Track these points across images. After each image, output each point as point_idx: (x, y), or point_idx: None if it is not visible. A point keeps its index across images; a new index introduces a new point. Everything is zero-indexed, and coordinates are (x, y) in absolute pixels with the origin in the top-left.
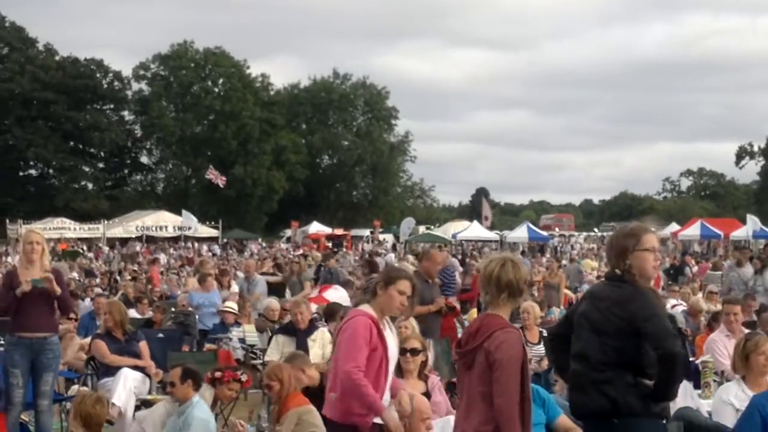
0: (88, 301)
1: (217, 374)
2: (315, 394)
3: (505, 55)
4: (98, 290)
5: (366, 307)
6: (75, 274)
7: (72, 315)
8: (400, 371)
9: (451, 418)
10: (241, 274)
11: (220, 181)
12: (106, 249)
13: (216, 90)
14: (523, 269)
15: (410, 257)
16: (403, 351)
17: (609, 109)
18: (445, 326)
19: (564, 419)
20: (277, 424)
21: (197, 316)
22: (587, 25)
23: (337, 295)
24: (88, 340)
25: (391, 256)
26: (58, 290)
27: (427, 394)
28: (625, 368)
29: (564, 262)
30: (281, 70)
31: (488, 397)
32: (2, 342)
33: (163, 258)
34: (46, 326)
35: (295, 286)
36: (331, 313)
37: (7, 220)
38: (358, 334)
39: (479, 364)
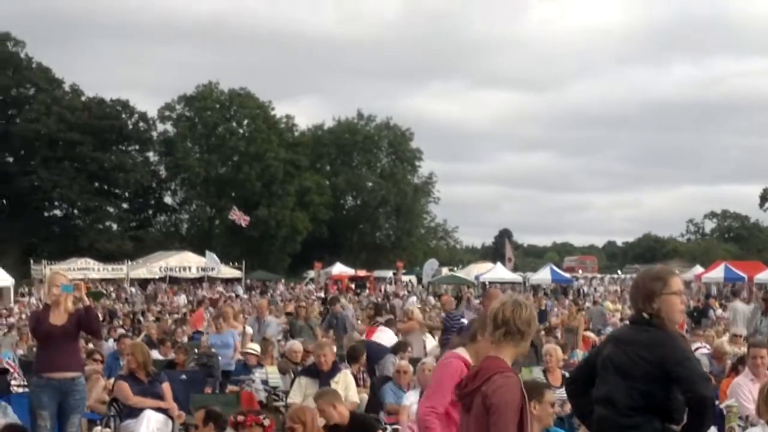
0: (111, 341)
1: (240, 418)
2: None
3: (528, 96)
4: (121, 331)
5: (461, 351)
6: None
7: (98, 356)
8: None
9: None
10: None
11: (243, 221)
12: (131, 290)
13: (241, 131)
14: (527, 311)
15: (431, 299)
16: None
17: (631, 149)
18: None
19: None
20: None
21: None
22: (610, 67)
23: (384, 336)
24: (111, 380)
25: (413, 299)
26: (87, 300)
27: None
28: (653, 413)
29: (587, 304)
30: (306, 111)
31: None
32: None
33: (183, 299)
34: (74, 366)
35: (302, 330)
36: (354, 355)
37: (32, 261)
38: (447, 377)
39: (477, 407)
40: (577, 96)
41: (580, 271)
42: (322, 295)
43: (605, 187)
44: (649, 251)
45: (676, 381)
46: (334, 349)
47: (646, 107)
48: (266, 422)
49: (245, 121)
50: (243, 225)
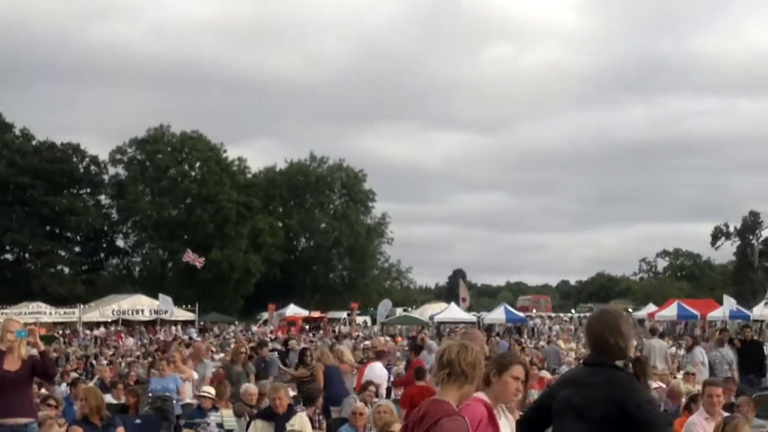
0: (64, 386)
1: None
2: None
3: (481, 137)
4: (74, 375)
5: (481, 394)
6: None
7: (53, 402)
8: None
9: None
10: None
11: (198, 263)
12: (86, 332)
13: (193, 173)
14: (471, 354)
15: (383, 339)
16: None
17: (585, 190)
18: None
19: None
20: None
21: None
22: (563, 107)
23: (373, 374)
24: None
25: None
26: (41, 345)
27: None
28: None
29: (542, 343)
30: (258, 154)
31: None
32: None
33: (131, 342)
34: (27, 411)
35: (239, 376)
36: (310, 397)
37: None
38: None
39: None
40: (531, 137)
41: (534, 311)
42: (279, 335)
43: (559, 227)
44: (603, 290)
45: (636, 424)
46: (290, 392)
47: (600, 147)
48: None
49: (197, 164)
50: (198, 266)
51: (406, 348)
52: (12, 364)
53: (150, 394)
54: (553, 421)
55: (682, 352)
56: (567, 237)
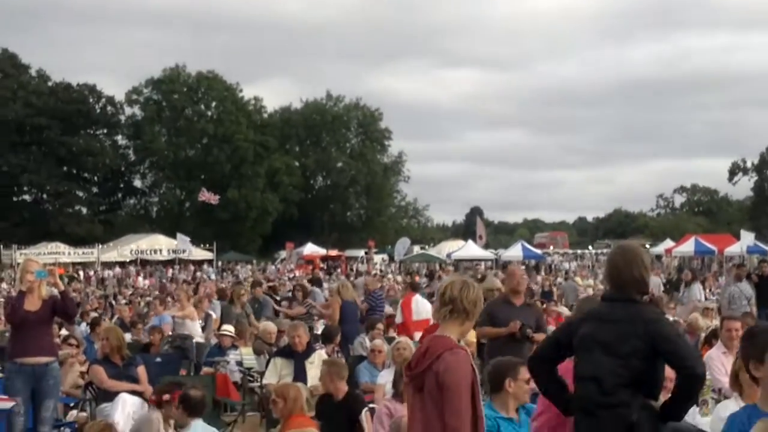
0: (84, 325)
1: (166, 397)
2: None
3: (498, 75)
4: (94, 315)
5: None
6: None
7: (73, 341)
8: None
9: None
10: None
11: (213, 200)
12: (109, 272)
13: (209, 113)
14: (473, 291)
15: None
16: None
17: (602, 127)
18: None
19: None
20: None
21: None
22: (580, 44)
23: (425, 308)
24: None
25: (361, 280)
26: (61, 285)
27: None
28: (638, 389)
29: (559, 279)
30: (274, 93)
31: (442, 418)
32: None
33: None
34: (47, 351)
35: (238, 317)
36: (328, 335)
37: (2, 246)
38: None
39: (429, 386)
40: (547, 74)
41: (551, 248)
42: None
43: (576, 164)
44: (620, 226)
45: (667, 357)
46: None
47: (617, 84)
48: None
49: (213, 104)
50: (213, 203)
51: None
52: (32, 305)
53: (170, 333)
54: (575, 356)
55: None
56: (584, 174)
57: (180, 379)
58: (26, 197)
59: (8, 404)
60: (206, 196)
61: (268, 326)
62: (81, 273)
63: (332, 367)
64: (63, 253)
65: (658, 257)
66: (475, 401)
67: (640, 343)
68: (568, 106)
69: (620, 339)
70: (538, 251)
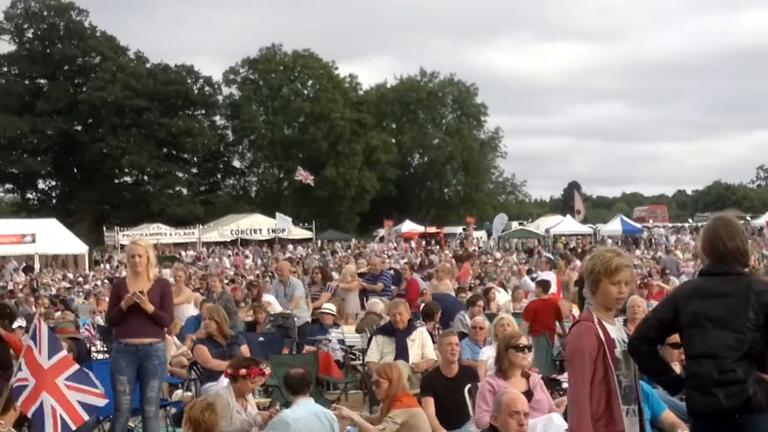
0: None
1: (242, 371)
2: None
3: (599, 48)
4: (199, 294)
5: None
6: (172, 279)
7: None
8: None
9: (554, 416)
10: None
11: (310, 180)
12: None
13: (305, 92)
14: (599, 260)
15: (497, 254)
16: (516, 347)
17: (705, 98)
18: (542, 324)
19: (669, 414)
20: (388, 416)
21: None
22: (682, 14)
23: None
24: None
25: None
26: (150, 308)
27: (529, 393)
28: (752, 363)
29: (659, 253)
30: (369, 70)
31: None
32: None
33: (249, 262)
34: (152, 332)
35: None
36: (429, 312)
37: (105, 228)
38: None
39: None
40: (650, 46)
41: (651, 221)
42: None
43: (678, 137)
44: (720, 199)
45: None
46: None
47: (721, 55)
48: (267, 370)
49: (309, 82)
50: (310, 184)
51: (524, 262)
52: (138, 286)
53: (271, 312)
54: (684, 334)
55: None
56: (685, 146)
57: (283, 358)
58: (127, 179)
59: (102, 401)
60: (303, 175)
61: (377, 305)
62: (183, 253)
63: (444, 338)
64: (164, 234)
65: (760, 230)
66: (605, 372)
67: (753, 315)
68: (670, 78)
69: (732, 313)
70: (638, 225)
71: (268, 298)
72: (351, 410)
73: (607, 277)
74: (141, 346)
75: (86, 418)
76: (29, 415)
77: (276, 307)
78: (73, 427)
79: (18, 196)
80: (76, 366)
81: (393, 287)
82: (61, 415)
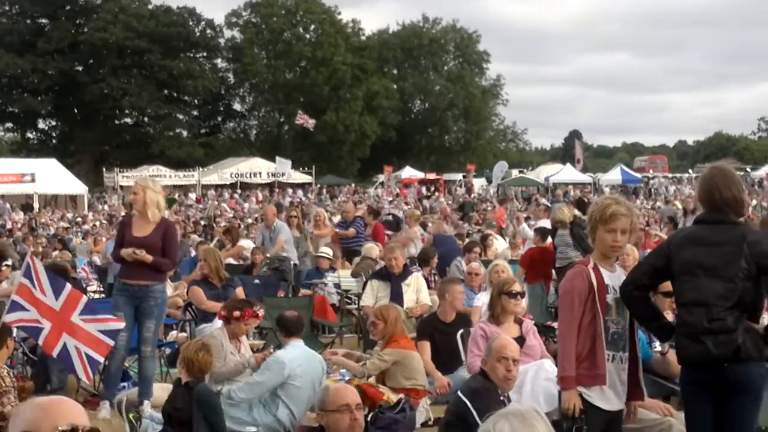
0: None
1: (236, 313)
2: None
3: None
4: (195, 237)
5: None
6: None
7: None
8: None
9: (546, 362)
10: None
11: (310, 124)
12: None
13: (307, 36)
14: (596, 208)
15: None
16: (508, 294)
17: (713, 48)
18: (539, 272)
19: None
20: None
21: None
22: None
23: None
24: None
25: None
26: (148, 259)
27: (521, 339)
28: (743, 312)
29: (659, 203)
30: (371, 16)
31: None
32: None
33: (247, 206)
34: (149, 275)
35: (299, 241)
36: (425, 258)
37: (104, 169)
38: None
39: None
40: None
41: (651, 171)
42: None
43: (683, 87)
44: (721, 150)
45: None
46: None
47: (730, 3)
48: (261, 312)
49: (312, 27)
50: (310, 128)
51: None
52: (141, 230)
53: (267, 255)
54: (675, 282)
55: None
56: (690, 97)
57: (278, 301)
58: (128, 120)
59: (119, 324)
60: (303, 119)
61: (374, 249)
62: (182, 196)
63: (450, 284)
64: (164, 176)
65: (759, 181)
66: (592, 314)
67: (745, 265)
68: (678, 27)
69: (726, 262)
70: (637, 175)
71: (244, 243)
72: (345, 354)
73: (602, 224)
74: (138, 287)
75: (112, 344)
76: (54, 355)
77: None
78: (101, 359)
79: (18, 136)
80: (85, 297)
81: (390, 232)
82: (86, 353)
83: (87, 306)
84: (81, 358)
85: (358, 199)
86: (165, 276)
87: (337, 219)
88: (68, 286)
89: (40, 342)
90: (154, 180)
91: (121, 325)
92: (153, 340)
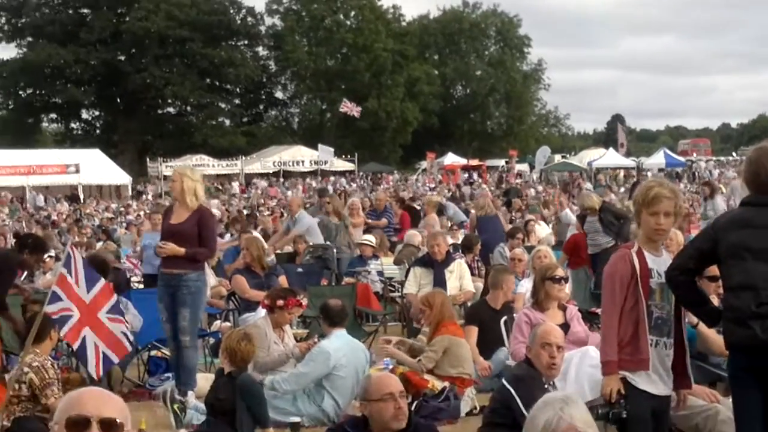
0: (228, 237)
1: (279, 302)
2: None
3: None
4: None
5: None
6: (216, 210)
7: None
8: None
9: (590, 348)
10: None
11: (356, 112)
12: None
13: (348, 23)
14: (639, 191)
15: (540, 187)
16: (552, 279)
17: (758, 29)
18: (584, 257)
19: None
20: (428, 346)
21: (145, 257)
22: None
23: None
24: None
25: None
26: (180, 252)
27: (566, 325)
28: None
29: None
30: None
31: None
32: None
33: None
34: (181, 263)
35: (338, 228)
36: (468, 245)
37: (148, 159)
38: None
39: None
40: None
41: (694, 154)
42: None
43: (728, 69)
44: (765, 132)
45: None
46: (449, 239)
47: None
48: (304, 301)
49: (352, 13)
50: (356, 115)
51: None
52: (178, 217)
53: (311, 243)
54: (722, 266)
55: None
56: (735, 79)
57: (321, 289)
58: (170, 110)
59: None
60: (348, 107)
61: (417, 236)
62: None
63: (504, 274)
64: (207, 165)
65: None
66: (635, 298)
67: None
68: (723, 8)
69: None
70: (681, 158)
71: (254, 233)
72: (398, 342)
73: (645, 207)
74: (172, 276)
75: (129, 348)
76: (74, 348)
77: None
78: (116, 360)
79: (62, 127)
80: (114, 297)
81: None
82: (103, 352)
83: (114, 306)
84: (97, 355)
85: (399, 186)
86: (200, 264)
87: None
88: (102, 281)
89: (63, 331)
90: (193, 168)
91: (125, 329)
92: (190, 329)
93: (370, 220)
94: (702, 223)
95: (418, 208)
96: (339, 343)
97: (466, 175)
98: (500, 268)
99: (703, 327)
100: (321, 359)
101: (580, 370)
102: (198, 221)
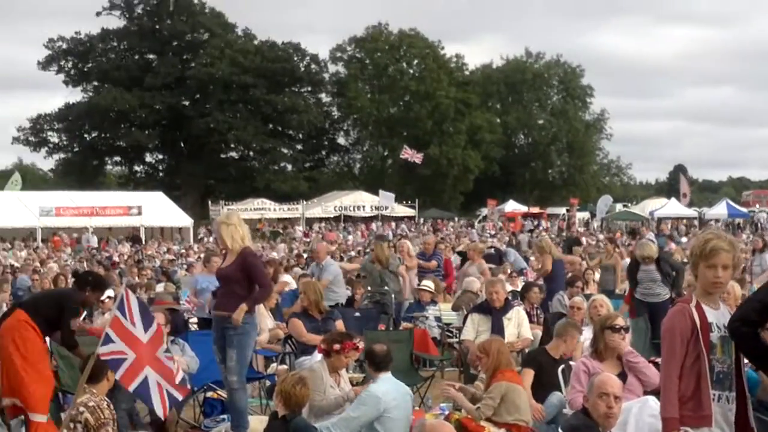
0: (288, 277)
1: (336, 346)
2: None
3: (711, 31)
4: (298, 270)
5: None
6: (275, 254)
7: None
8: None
9: (650, 398)
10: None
11: (417, 158)
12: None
13: (411, 71)
14: (696, 243)
15: (600, 236)
16: (612, 328)
17: None
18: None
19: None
20: (485, 393)
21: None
22: None
23: None
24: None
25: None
26: (238, 322)
27: (623, 375)
28: None
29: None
30: (475, 51)
31: None
32: None
33: (351, 238)
34: (230, 306)
35: (382, 276)
36: (528, 291)
37: (210, 202)
38: None
39: None
40: (765, 30)
41: (757, 206)
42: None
43: None
44: None
45: None
46: (508, 286)
47: None
48: (361, 345)
49: (415, 61)
50: (417, 162)
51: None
52: (226, 262)
53: (369, 288)
54: None
55: None
56: None
57: (378, 334)
58: (233, 154)
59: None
60: (409, 153)
61: (475, 282)
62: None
63: (572, 329)
64: (268, 209)
65: None
66: (697, 354)
67: None
68: None
69: None
70: (744, 209)
71: (285, 278)
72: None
73: (702, 260)
74: (222, 318)
75: (188, 387)
76: (131, 390)
77: (293, 287)
78: (180, 398)
79: (126, 169)
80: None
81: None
82: (167, 390)
83: (166, 350)
84: (161, 394)
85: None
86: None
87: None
88: (156, 323)
89: (119, 374)
90: (229, 214)
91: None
92: (237, 370)
93: (421, 261)
94: (746, 277)
95: None
96: (387, 386)
97: (527, 222)
98: (571, 321)
99: (764, 376)
100: (371, 403)
101: (640, 420)
102: (242, 264)
